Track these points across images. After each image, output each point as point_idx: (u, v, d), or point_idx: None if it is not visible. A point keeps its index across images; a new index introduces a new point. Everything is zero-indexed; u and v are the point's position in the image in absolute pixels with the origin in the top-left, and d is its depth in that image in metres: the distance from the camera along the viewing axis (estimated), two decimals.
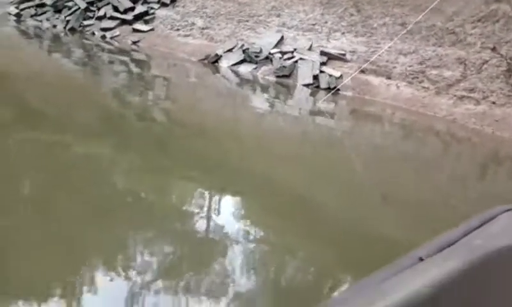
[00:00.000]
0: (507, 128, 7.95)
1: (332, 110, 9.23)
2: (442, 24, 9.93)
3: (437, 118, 8.54)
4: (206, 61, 11.09)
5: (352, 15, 11.11)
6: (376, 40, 10.50)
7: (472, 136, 8.17)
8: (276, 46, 10.77)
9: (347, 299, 0.87)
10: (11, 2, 15.43)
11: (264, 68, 10.38)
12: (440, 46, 9.73)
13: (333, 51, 10.36)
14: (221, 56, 10.98)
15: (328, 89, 9.59)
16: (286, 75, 10.03)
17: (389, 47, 10.23)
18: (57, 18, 14.21)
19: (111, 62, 11.69)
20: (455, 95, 8.89)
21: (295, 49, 10.57)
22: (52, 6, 14.61)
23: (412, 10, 10.39)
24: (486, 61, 8.99)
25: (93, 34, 13.33)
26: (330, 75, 9.78)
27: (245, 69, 10.54)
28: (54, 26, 13.96)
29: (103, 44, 12.72)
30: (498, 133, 7.91)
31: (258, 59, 10.50)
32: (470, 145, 8.15)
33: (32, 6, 14.93)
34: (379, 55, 10.08)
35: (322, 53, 10.32)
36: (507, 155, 7.86)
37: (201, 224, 4.62)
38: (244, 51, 10.74)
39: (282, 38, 11.01)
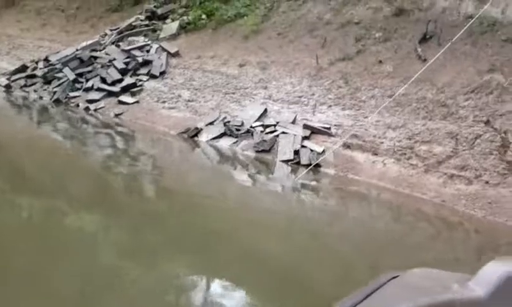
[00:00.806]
0: (501, 213, 7.08)
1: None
2: (433, 96, 9.28)
3: (424, 200, 7.72)
4: (185, 135, 10.51)
5: (340, 87, 10.55)
6: (364, 113, 9.86)
7: (463, 221, 7.32)
8: (258, 119, 10.19)
9: None
10: (4, 73, 15.33)
11: (244, 142, 9.77)
12: (430, 119, 9.03)
13: (317, 125, 9.72)
14: (201, 129, 10.42)
15: (309, 165, 8.88)
16: (266, 150, 9.37)
17: (376, 121, 9.56)
18: (44, 90, 13.96)
19: (97, 134, 11.15)
20: (445, 173, 8.09)
21: (277, 122, 9.97)
22: (42, 77, 14.41)
23: (402, 82, 9.78)
24: (479, 136, 8.24)
25: (78, 106, 12.97)
26: (312, 150, 9.09)
27: (225, 143, 9.93)
28: (41, 97, 13.69)
29: (87, 117, 12.30)
30: (491, 217, 7.05)
31: (239, 132, 9.91)
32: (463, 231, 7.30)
33: (22, 77, 14.76)
34: (364, 127, 9.40)
35: (306, 126, 9.69)
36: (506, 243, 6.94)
37: None
38: (225, 124, 10.16)
39: (266, 110, 10.44)
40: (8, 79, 14.83)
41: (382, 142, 9.15)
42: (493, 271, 1.26)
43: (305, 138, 9.49)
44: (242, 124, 10.09)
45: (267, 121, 10.11)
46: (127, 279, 4.37)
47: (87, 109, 12.71)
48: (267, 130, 9.87)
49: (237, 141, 9.83)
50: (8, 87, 14.53)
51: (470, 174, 7.89)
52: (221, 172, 9.23)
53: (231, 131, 9.98)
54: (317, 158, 8.95)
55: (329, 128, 9.61)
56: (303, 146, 9.25)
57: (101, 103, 12.80)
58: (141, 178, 8.18)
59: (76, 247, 4.70)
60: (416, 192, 7.98)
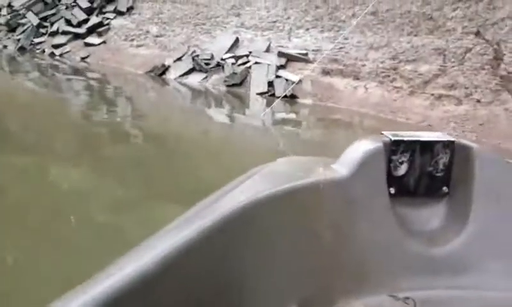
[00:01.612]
0: (493, 134, 6.32)
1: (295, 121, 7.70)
2: (418, 9, 8.32)
3: (409, 125, 6.94)
4: (153, 74, 9.68)
5: (317, 7, 9.58)
6: (344, 35, 8.94)
7: None
8: (229, 50, 9.31)
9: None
10: None
11: (214, 76, 8.94)
12: (416, 35, 8.12)
13: (293, 51, 8.84)
14: (168, 67, 9.58)
15: (285, 97, 8.08)
16: (237, 84, 8.55)
17: (358, 42, 8.67)
18: (8, 38, 13.04)
19: (69, 80, 10.25)
20: (432, 94, 7.28)
21: (250, 52, 9.09)
22: (6, 24, 13.46)
23: None
24: (469, 50, 7.36)
25: (43, 52, 12.10)
26: (287, 80, 8.26)
27: (194, 79, 9.11)
28: (5, 47, 12.80)
29: (56, 63, 11.40)
30: (484, 140, 6.29)
31: (209, 66, 9.06)
32: None
33: None
34: (344, 50, 8.53)
35: (281, 54, 8.82)
36: None
37: None
38: (193, 59, 9.30)
39: (237, 40, 9.54)
40: None
41: (364, 65, 8.30)
42: (354, 151, 1.30)
43: (280, 67, 8.65)
44: (212, 57, 9.23)
45: (239, 52, 9.23)
46: (116, 231, 3.92)
47: (52, 54, 11.87)
48: (240, 61, 9.01)
49: (206, 77, 9.01)
50: None
51: (459, 93, 7.07)
52: (197, 112, 8.38)
53: (200, 66, 9.14)
54: (292, 88, 8.13)
55: (306, 54, 8.74)
56: (277, 76, 8.42)
57: (67, 48, 11.93)
58: (119, 124, 7.30)
59: (65, 202, 4.29)
60: (400, 116, 7.21)
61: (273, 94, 8.19)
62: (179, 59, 9.64)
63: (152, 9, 11.83)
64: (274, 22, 9.77)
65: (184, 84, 9.18)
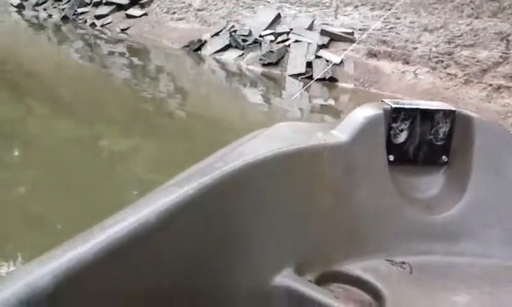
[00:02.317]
0: None
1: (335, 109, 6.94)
2: None
3: None
4: (188, 48, 9.13)
5: None
6: (396, 14, 8.06)
7: None
8: (269, 26, 8.60)
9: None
10: None
11: (250, 54, 8.28)
12: (477, 17, 7.17)
13: (337, 30, 8.05)
14: (205, 42, 8.99)
15: (324, 80, 7.33)
16: (272, 63, 7.86)
17: (411, 23, 7.78)
18: (54, 7, 12.84)
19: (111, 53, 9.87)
20: (490, 85, 6.35)
21: (291, 29, 8.36)
22: None
23: None
24: None
25: (85, 22, 11.80)
26: (327, 61, 7.49)
27: (230, 56, 8.48)
28: (50, 16, 12.60)
29: (98, 34, 11.05)
30: None
31: (246, 43, 8.40)
32: None
33: None
34: (395, 31, 7.66)
35: (324, 32, 8.04)
36: None
37: None
38: (230, 34, 8.67)
39: (279, 16, 8.82)
40: None
41: (415, 48, 7.42)
42: (354, 117, 1.30)
43: (322, 47, 7.87)
44: (250, 33, 8.56)
45: (279, 29, 8.52)
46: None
47: (93, 25, 11.53)
48: (279, 38, 8.30)
49: (242, 54, 8.35)
50: (20, 7, 13.50)
51: None
52: (231, 92, 7.74)
53: (236, 42, 8.49)
54: (333, 70, 7.36)
55: (351, 34, 7.93)
56: (317, 57, 7.66)
57: (108, 19, 11.56)
58: (160, 102, 6.92)
59: (114, 166, 4.48)
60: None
61: (311, 77, 7.44)
62: (217, 34, 9.03)
63: None
64: None
65: (219, 61, 8.56)
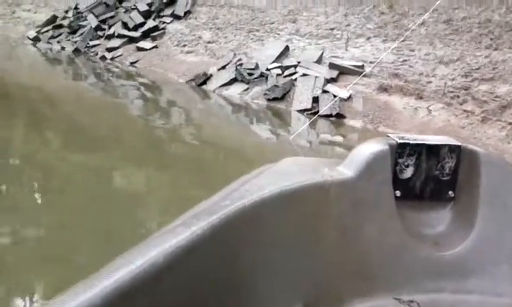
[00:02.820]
0: None
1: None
2: (501, 18, 6.83)
3: None
4: (193, 83, 8.80)
5: (382, 13, 8.29)
6: (410, 45, 7.59)
7: None
8: (277, 59, 8.21)
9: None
10: (37, 26, 14.28)
11: (256, 89, 7.88)
12: (496, 49, 6.64)
13: (347, 63, 7.60)
14: (210, 76, 8.64)
15: (330, 116, 6.87)
16: (277, 98, 7.44)
17: (426, 55, 7.28)
18: (68, 40, 12.76)
19: (122, 86, 9.64)
20: (510, 123, 5.79)
21: (299, 62, 7.95)
22: (68, 26, 13.23)
23: (463, 1, 7.38)
24: None
25: (96, 54, 11.64)
26: (335, 96, 7.04)
27: (235, 91, 8.09)
28: (63, 48, 12.51)
29: (109, 67, 10.85)
30: None
31: (252, 77, 8.02)
32: None
33: (50, 29, 13.63)
34: (409, 63, 7.18)
35: (332, 66, 7.60)
36: None
37: None
38: (236, 68, 8.30)
39: (287, 48, 8.44)
40: (37, 32, 13.78)
41: (429, 82, 6.91)
42: (360, 153, 1.30)
43: (331, 80, 7.42)
44: (257, 67, 8.17)
45: (286, 62, 8.12)
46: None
47: (103, 57, 11.36)
48: (286, 72, 7.89)
49: (248, 88, 7.96)
50: (35, 40, 13.49)
51: None
52: (240, 126, 7.33)
53: (242, 76, 8.11)
54: (340, 106, 6.89)
55: (361, 67, 7.46)
56: (324, 91, 7.21)
57: (119, 51, 11.38)
58: (172, 132, 6.80)
59: (126, 204, 4.28)
60: None
61: (317, 112, 6.98)
62: (223, 67, 8.68)
63: (209, 14, 11.02)
64: (332, 29, 8.57)
65: (224, 96, 8.17)
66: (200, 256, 0.93)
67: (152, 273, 0.83)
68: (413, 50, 7.47)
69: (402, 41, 7.68)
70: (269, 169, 1.27)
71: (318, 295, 1.16)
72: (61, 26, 13.55)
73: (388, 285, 1.24)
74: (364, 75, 7.39)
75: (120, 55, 11.23)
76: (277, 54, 8.27)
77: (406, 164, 1.31)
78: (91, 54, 11.81)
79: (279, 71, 7.94)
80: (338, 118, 6.86)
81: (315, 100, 7.16)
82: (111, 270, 0.81)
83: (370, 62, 7.57)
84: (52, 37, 13.34)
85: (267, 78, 7.89)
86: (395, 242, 1.26)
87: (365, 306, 1.18)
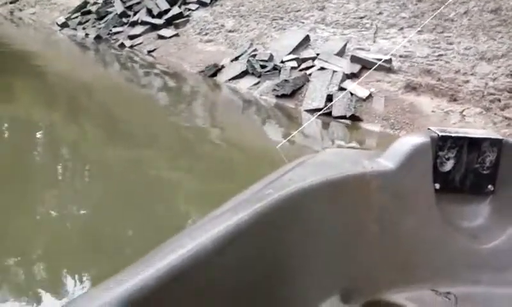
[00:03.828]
0: None
1: None
2: None
3: None
4: (203, 74, 7.94)
5: (420, 1, 7.13)
6: (449, 38, 6.42)
7: None
8: (294, 51, 7.22)
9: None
10: (68, 12, 13.86)
11: (267, 83, 6.91)
12: None
13: (371, 56, 6.51)
14: (222, 67, 7.75)
15: (344, 117, 5.85)
16: (286, 95, 6.46)
17: (466, 49, 6.12)
18: (93, 26, 12.19)
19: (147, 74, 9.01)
20: None
21: (317, 55, 6.93)
22: (96, 12, 12.68)
23: None
24: None
25: (117, 41, 10.99)
26: (352, 95, 5.99)
27: (244, 84, 7.17)
28: (87, 35, 11.94)
29: (134, 57, 10.19)
30: None
31: (264, 70, 7.06)
32: None
33: (79, 15, 13.14)
34: (445, 59, 6.04)
35: (354, 59, 6.54)
36: None
37: None
38: (248, 60, 7.37)
39: (307, 38, 7.42)
40: (66, 18, 13.32)
41: (467, 82, 5.76)
42: (400, 146, 1.30)
43: (351, 76, 6.37)
44: (271, 58, 7.21)
45: (305, 54, 7.11)
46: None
47: (122, 45, 10.68)
48: (303, 65, 6.89)
49: (259, 82, 7.01)
50: (64, 26, 13.02)
51: None
52: (250, 123, 6.47)
53: (254, 68, 7.16)
54: (356, 107, 5.85)
55: (389, 61, 6.36)
56: (341, 89, 6.16)
57: (140, 39, 10.67)
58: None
59: (159, 192, 4.23)
60: None
61: (330, 113, 5.96)
62: (236, 58, 7.76)
63: (235, 0, 10.11)
64: (361, 17, 7.48)
65: (233, 89, 7.26)
66: (246, 242, 0.94)
67: (201, 257, 0.84)
68: (451, 43, 6.31)
69: (441, 32, 6.53)
70: (310, 160, 1.29)
71: (356, 284, 1.15)
72: (89, 12, 13.02)
73: (426, 276, 1.22)
74: (390, 71, 6.29)
75: (139, 44, 10.52)
76: (295, 44, 7.28)
77: (446, 157, 1.30)
78: (113, 41, 11.16)
79: (294, 64, 6.95)
80: (353, 120, 5.82)
81: (330, 98, 6.13)
82: (165, 252, 0.83)
83: (400, 56, 6.46)
84: (80, 23, 12.83)
85: (279, 71, 6.91)
86: (434, 234, 1.26)
87: (402, 296, 1.18)
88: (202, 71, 7.99)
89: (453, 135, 1.30)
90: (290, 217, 1.05)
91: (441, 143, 1.29)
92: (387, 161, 1.25)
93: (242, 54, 7.76)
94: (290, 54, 7.14)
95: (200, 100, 7.48)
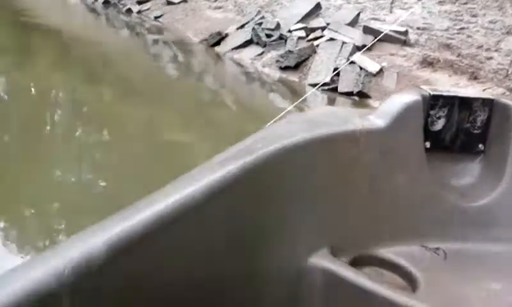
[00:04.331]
0: None
1: None
2: None
3: None
4: (206, 43, 7.43)
5: None
6: (472, 10, 5.79)
7: None
8: (303, 19, 6.65)
9: None
10: None
11: (271, 53, 6.39)
12: None
13: (386, 27, 5.92)
14: (226, 36, 7.23)
15: (351, 94, 5.31)
16: (290, 67, 5.93)
17: (490, 22, 5.50)
18: None
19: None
20: None
21: (327, 24, 6.36)
22: None
23: None
24: None
25: (124, 7, 10.53)
26: (361, 69, 5.43)
27: (247, 55, 6.64)
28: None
29: (130, 21, 9.74)
30: None
31: (270, 39, 6.52)
32: None
33: None
34: (466, 33, 5.44)
35: (367, 30, 5.96)
36: None
37: None
38: (253, 28, 6.84)
39: (318, 6, 6.85)
40: None
41: (490, 58, 5.16)
42: (392, 103, 1.29)
43: (362, 48, 5.80)
44: (277, 27, 6.67)
45: (314, 23, 6.54)
46: None
47: (129, 10, 10.22)
48: (312, 35, 6.33)
49: (263, 53, 6.48)
50: None
51: None
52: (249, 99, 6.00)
53: (259, 37, 6.63)
54: (365, 82, 5.30)
55: (404, 33, 5.77)
56: (351, 62, 5.61)
57: (147, 5, 10.20)
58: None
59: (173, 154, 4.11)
60: None
61: (336, 89, 5.42)
62: (241, 26, 7.23)
63: None
64: None
65: (234, 60, 6.74)
66: (235, 194, 0.95)
67: (191, 205, 0.85)
68: (475, 16, 5.68)
69: (464, 3, 5.90)
70: (301, 117, 1.34)
71: (346, 239, 1.17)
72: None
73: (415, 232, 1.25)
74: (406, 44, 5.70)
75: (147, 10, 10.04)
76: (304, 12, 6.70)
77: (437, 115, 1.30)
78: (121, 6, 10.70)
79: (302, 33, 6.40)
80: (360, 97, 5.28)
81: (339, 72, 5.58)
82: (152, 201, 0.83)
83: (418, 28, 5.86)
84: None
85: (285, 41, 6.36)
86: (424, 192, 1.27)
87: (391, 251, 1.20)
88: (205, 40, 7.47)
89: (444, 94, 1.30)
90: (278, 171, 1.06)
91: (433, 102, 1.29)
92: (378, 119, 1.23)
93: (248, 22, 7.22)
94: (298, 22, 6.58)
95: (191, 76, 6.93)
